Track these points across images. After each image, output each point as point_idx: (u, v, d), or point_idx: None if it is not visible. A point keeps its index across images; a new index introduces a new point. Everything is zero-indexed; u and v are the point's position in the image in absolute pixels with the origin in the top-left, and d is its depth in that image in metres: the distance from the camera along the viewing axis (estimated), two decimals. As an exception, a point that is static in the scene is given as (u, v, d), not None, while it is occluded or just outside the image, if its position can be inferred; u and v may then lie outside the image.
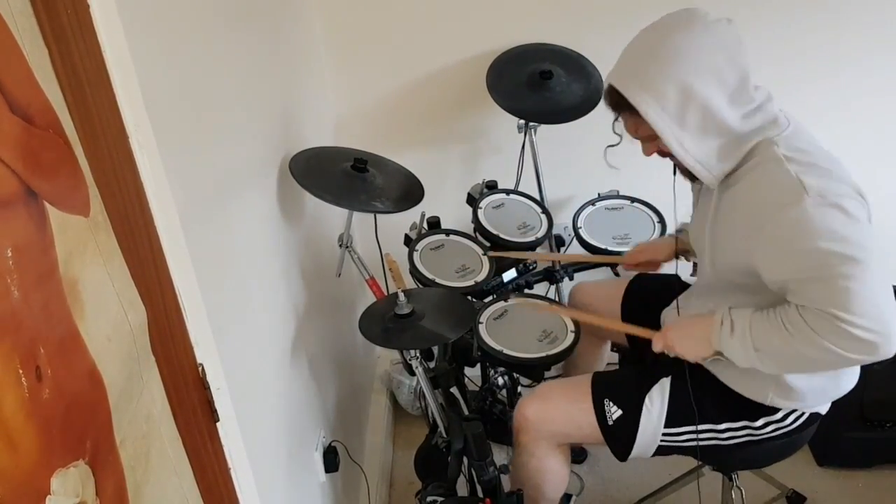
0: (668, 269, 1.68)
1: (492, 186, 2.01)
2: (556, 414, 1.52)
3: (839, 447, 2.03)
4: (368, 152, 1.64)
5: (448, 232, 1.86)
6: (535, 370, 1.58)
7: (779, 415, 1.39)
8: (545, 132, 2.06)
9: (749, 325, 1.24)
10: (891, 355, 1.14)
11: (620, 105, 1.26)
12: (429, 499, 1.47)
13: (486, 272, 1.76)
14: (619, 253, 1.82)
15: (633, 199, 1.99)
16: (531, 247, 1.86)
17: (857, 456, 2.05)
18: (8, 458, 0.51)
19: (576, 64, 1.99)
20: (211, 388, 0.93)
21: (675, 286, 1.62)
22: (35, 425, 0.55)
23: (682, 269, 1.67)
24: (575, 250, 2.02)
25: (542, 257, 2.00)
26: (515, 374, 2.05)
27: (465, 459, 1.56)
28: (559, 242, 2.11)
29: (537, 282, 1.98)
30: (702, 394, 1.40)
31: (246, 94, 1.30)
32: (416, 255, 1.76)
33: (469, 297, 1.69)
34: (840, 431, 1.99)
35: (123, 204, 0.75)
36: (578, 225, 1.93)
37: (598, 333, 1.80)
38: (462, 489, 1.62)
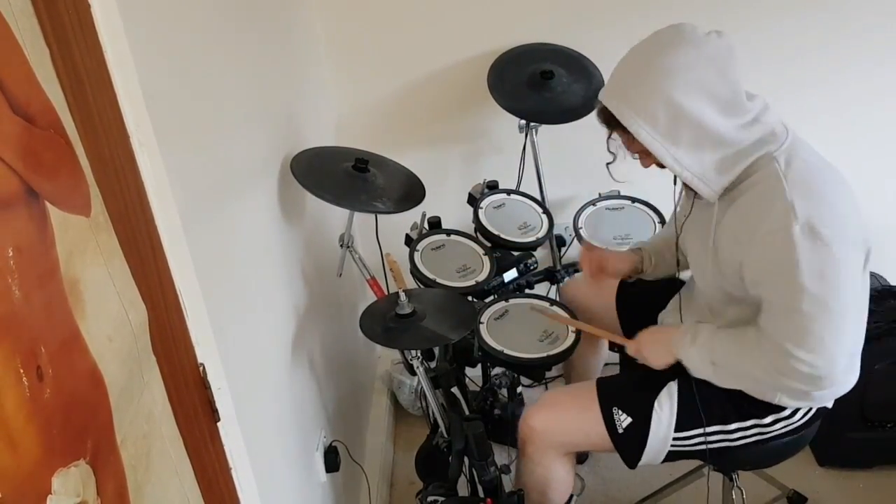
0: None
1: (493, 186, 2.01)
2: (563, 424, 1.51)
3: (840, 447, 2.03)
4: (369, 152, 1.64)
5: (449, 232, 1.86)
6: (536, 370, 1.58)
7: (787, 411, 1.39)
8: (546, 132, 2.05)
9: (710, 340, 1.33)
10: (826, 391, 1.25)
11: (613, 123, 1.26)
12: (430, 499, 1.47)
13: (486, 272, 1.76)
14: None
15: (633, 200, 1.99)
16: (531, 247, 1.86)
17: (858, 456, 2.05)
18: (9, 457, 0.51)
19: (577, 64, 1.99)
20: (212, 387, 0.93)
21: (670, 285, 1.62)
22: (36, 425, 0.55)
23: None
24: (574, 250, 2.02)
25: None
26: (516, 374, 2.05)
27: (465, 459, 1.56)
28: (560, 242, 2.12)
29: (538, 282, 1.98)
30: (709, 395, 1.39)
31: (247, 94, 1.31)
32: (416, 255, 1.76)
33: (470, 297, 1.70)
34: (841, 432, 1.98)
35: (124, 204, 0.75)
36: (579, 225, 1.94)
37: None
38: (463, 489, 1.62)
